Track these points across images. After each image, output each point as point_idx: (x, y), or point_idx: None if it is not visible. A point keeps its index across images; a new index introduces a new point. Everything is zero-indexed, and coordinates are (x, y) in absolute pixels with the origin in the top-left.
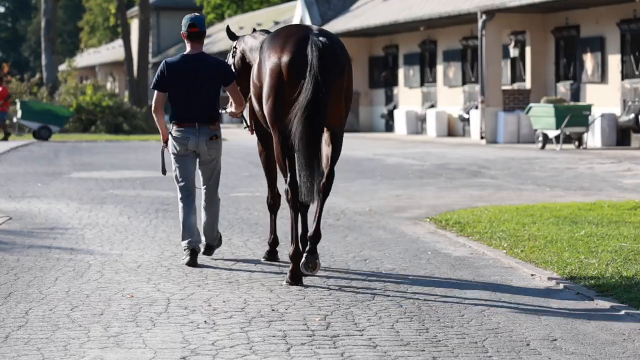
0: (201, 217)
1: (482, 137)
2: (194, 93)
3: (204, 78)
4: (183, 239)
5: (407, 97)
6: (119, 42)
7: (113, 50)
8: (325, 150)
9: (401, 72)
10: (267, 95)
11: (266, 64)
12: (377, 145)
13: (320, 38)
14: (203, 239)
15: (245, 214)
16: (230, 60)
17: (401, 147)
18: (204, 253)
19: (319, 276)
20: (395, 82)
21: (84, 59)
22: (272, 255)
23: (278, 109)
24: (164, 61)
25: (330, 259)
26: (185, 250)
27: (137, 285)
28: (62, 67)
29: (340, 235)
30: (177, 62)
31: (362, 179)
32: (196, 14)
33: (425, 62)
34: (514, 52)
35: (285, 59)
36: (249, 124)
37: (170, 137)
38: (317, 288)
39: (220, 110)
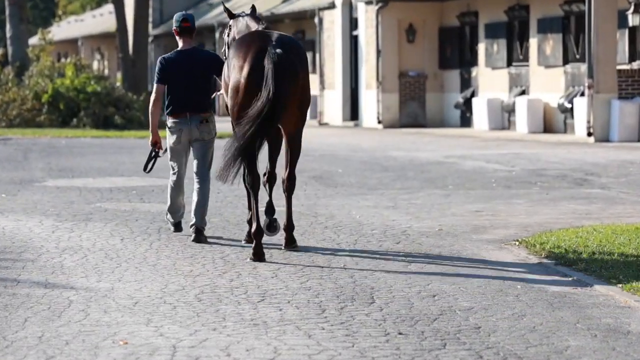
0: (192, 198)
1: (589, 134)
2: (188, 85)
3: (198, 71)
4: (169, 212)
5: (490, 81)
6: (109, 8)
7: (101, 19)
8: (286, 153)
9: (481, 48)
10: (230, 98)
11: (230, 70)
12: (450, 145)
13: (277, 50)
14: (193, 220)
15: (276, 236)
16: (225, 39)
17: (481, 147)
18: (194, 240)
19: (373, 319)
20: (464, 62)
21: (62, 29)
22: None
23: (237, 111)
24: (160, 57)
25: (387, 294)
26: (170, 221)
27: (133, 329)
28: (34, 40)
29: (401, 264)
30: (173, 57)
31: (430, 189)
32: (186, 12)
33: (513, 34)
34: (633, 19)
35: (245, 69)
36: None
37: (166, 128)
38: (369, 333)
39: (214, 95)
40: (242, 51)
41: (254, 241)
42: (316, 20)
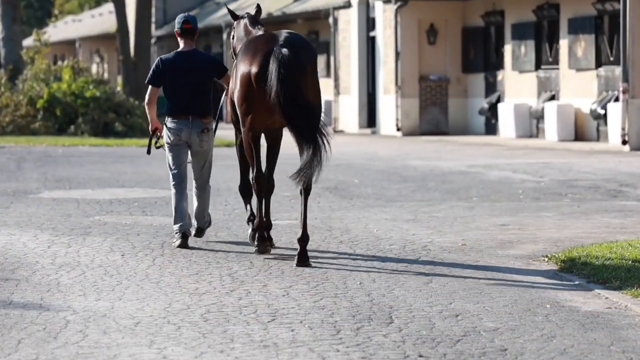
0: (193, 203)
1: (624, 142)
2: (188, 87)
3: (198, 73)
4: (175, 223)
5: (517, 85)
6: (109, 7)
7: (100, 19)
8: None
9: (508, 50)
10: (239, 100)
11: (238, 73)
12: (474, 154)
13: (283, 50)
14: (194, 222)
15: (287, 251)
16: (231, 42)
17: (508, 156)
18: (195, 235)
19: (391, 340)
20: (489, 65)
21: (58, 30)
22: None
23: (247, 113)
24: (158, 58)
25: (407, 314)
26: (176, 234)
27: (135, 351)
28: (28, 41)
29: (421, 281)
30: (172, 59)
31: (452, 200)
32: (188, 13)
33: (542, 35)
34: None
35: (254, 70)
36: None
37: (165, 127)
38: (388, 356)
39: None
40: (249, 56)
41: (258, 233)
42: (330, 20)
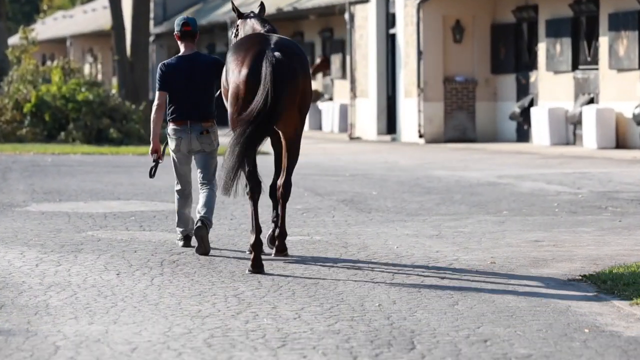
0: (198, 200)
1: None
2: (191, 92)
3: (200, 76)
4: (178, 227)
5: (551, 88)
6: (103, 1)
7: (94, 15)
8: (283, 159)
9: (542, 48)
10: (230, 103)
11: (229, 74)
12: (504, 163)
13: (275, 53)
14: (200, 214)
15: (299, 269)
16: (232, 40)
17: (542, 166)
18: (195, 232)
19: None
20: (521, 65)
21: (47, 27)
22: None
23: (237, 116)
24: (161, 63)
25: (430, 339)
26: (179, 235)
27: None
28: (14, 39)
29: (447, 302)
30: (174, 63)
31: (480, 214)
32: (188, 16)
33: (580, 32)
34: None
35: (243, 73)
36: None
37: (167, 133)
38: None
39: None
40: (240, 55)
41: (253, 253)
42: (346, 16)
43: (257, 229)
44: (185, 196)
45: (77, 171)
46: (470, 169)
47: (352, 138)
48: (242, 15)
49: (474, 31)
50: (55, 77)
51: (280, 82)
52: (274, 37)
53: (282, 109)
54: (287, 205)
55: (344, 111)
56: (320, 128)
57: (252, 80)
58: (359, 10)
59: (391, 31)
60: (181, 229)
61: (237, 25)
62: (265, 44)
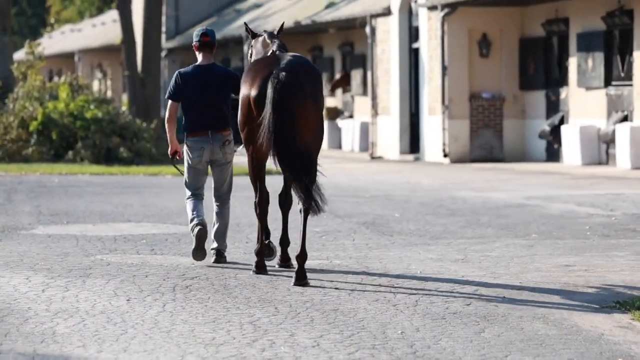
0: (213, 222)
1: None
2: (207, 102)
3: (216, 87)
4: (191, 221)
5: (583, 104)
6: (113, 15)
7: (103, 28)
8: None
9: (573, 63)
10: (240, 125)
11: (240, 96)
12: (533, 183)
13: (282, 73)
14: (214, 245)
15: (317, 294)
16: (249, 61)
17: (572, 187)
18: (215, 261)
19: None
20: (551, 81)
21: (55, 41)
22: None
23: (249, 136)
24: (177, 72)
25: None
26: (193, 223)
27: None
28: (20, 54)
29: (473, 330)
30: (190, 72)
31: (508, 237)
32: (207, 27)
33: (613, 46)
34: None
35: (252, 94)
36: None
37: (185, 147)
38: None
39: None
40: (250, 78)
41: (257, 258)
42: (367, 29)
43: (263, 238)
44: (198, 199)
45: (86, 192)
46: (498, 189)
47: (373, 157)
48: (255, 35)
49: (502, 45)
50: (62, 93)
51: (287, 99)
52: (286, 57)
53: (290, 123)
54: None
55: (364, 129)
56: (339, 147)
57: (259, 102)
58: (380, 23)
59: (414, 45)
60: (198, 218)
61: (252, 45)
62: (275, 65)
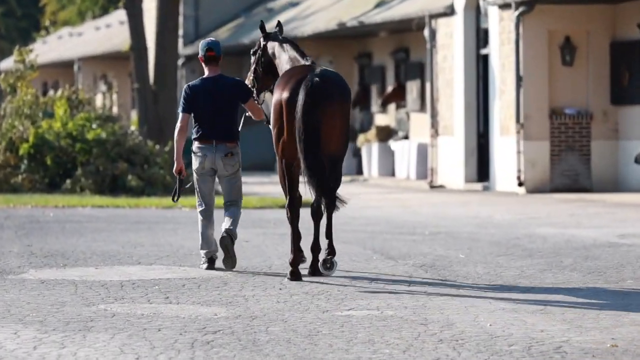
0: (223, 219)
1: None
2: (215, 113)
3: (224, 98)
4: (202, 249)
5: None
6: (119, 16)
7: (108, 32)
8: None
9: None
10: (272, 126)
11: (273, 99)
12: (628, 218)
13: (315, 79)
14: (225, 227)
15: (366, 352)
16: (257, 57)
17: None
18: (220, 242)
19: None
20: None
21: (50, 47)
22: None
23: (279, 139)
24: (186, 85)
25: None
26: (203, 257)
27: None
28: (8, 62)
29: None
30: (198, 85)
31: (597, 283)
32: (212, 39)
33: None
34: None
35: (284, 97)
36: (269, 119)
37: (192, 152)
38: None
39: (242, 121)
40: (283, 83)
41: (292, 268)
42: (426, 32)
43: (297, 247)
44: (208, 216)
45: (87, 229)
46: (584, 225)
47: (432, 186)
48: (268, 35)
49: (589, 51)
50: (59, 110)
51: (316, 103)
52: (318, 68)
53: (321, 126)
54: (352, 269)
55: (422, 152)
56: (392, 174)
57: (291, 103)
58: (442, 25)
59: (483, 51)
60: (205, 251)
61: (265, 44)
62: (309, 71)
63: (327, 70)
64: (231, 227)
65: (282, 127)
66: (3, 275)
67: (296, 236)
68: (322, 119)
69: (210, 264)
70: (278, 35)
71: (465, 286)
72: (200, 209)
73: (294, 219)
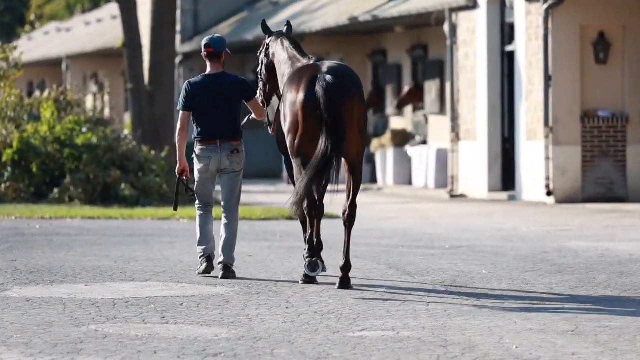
0: (220, 234)
1: None
2: (217, 111)
3: (226, 96)
4: (199, 245)
5: None
6: (112, 10)
7: (99, 27)
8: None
9: None
10: (288, 130)
11: (286, 103)
12: None
13: (327, 77)
14: (221, 258)
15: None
16: (261, 58)
17: None
18: (223, 276)
19: None
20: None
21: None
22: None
23: (297, 141)
24: (186, 82)
25: None
26: (201, 258)
27: None
28: None
29: None
30: (200, 82)
31: (633, 302)
32: (216, 35)
33: None
34: None
35: (299, 98)
36: (271, 123)
37: (194, 154)
38: None
39: (245, 120)
40: (295, 85)
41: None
42: (446, 27)
43: (313, 242)
44: (208, 211)
45: (76, 242)
46: (619, 239)
47: (453, 196)
48: (271, 33)
49: (625, 47)
50: (46, 113)
51: (335, 102)
52: (326, 64)
53: (341, 125)
54: (365, 285)
55: (442, 159)
56: (409, 182)
57: (308, 105)
58: (463, 19)
59: (508, 48)
60: (203, 247)
61: (268, 45)
62: (317, 70)
63: (335, 66)
64: (227, 261)
65: (299, 129)
66: None
67: (307, 230)
68: (344, 116)
69: (209, 264)
70: (283, 34)
71: (489, 305)
72: (199, 206)
73: (312, 220)
